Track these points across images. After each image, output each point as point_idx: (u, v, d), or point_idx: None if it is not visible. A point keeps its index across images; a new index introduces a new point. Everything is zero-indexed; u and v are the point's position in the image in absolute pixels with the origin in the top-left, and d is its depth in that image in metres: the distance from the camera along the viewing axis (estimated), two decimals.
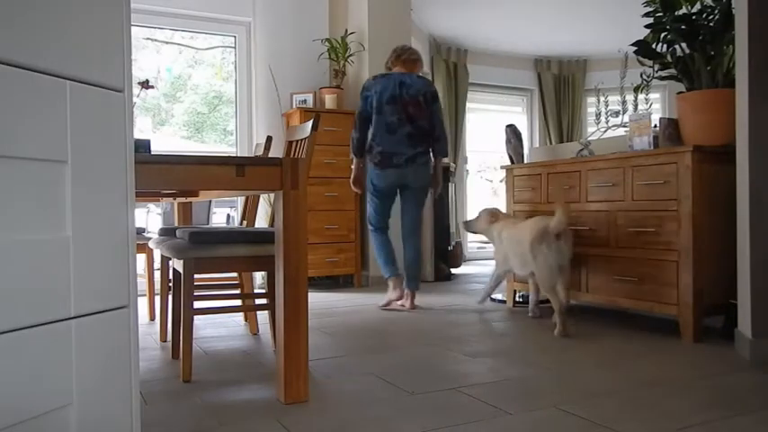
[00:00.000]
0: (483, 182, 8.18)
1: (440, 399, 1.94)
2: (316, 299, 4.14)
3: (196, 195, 2.85)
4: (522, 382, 2.13)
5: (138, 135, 4.10)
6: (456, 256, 5.69)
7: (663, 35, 3.09)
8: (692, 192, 2.68)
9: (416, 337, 2.91)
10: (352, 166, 3.87)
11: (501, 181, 4.26)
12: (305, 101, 4.86)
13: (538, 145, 7.66)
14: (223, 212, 5.98)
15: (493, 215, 3.54)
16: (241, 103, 5.11)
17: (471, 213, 7.69)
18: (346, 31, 4.95)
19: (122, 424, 0.96)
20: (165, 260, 2.80)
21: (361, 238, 4.81)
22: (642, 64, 3.30)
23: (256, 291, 3.79)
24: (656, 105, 7.02)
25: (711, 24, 2.90)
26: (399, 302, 3.76)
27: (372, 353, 2.59)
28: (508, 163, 3.91)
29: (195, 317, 2.24)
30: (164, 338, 2.88)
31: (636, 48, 3.17)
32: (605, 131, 3.85)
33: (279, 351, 1.93)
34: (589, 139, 3.73)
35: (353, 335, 2.98)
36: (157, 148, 2.99)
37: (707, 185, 2.72)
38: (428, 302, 4.00)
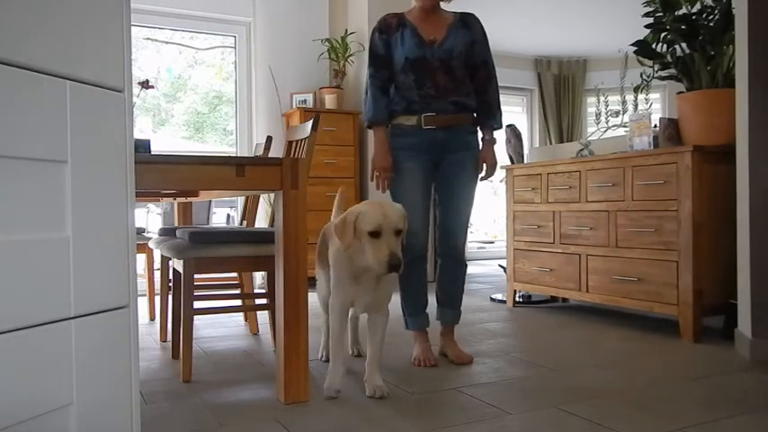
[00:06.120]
0: (483, 182, 8.17)
1: (440, 399, 1.94)
2: (316, 299, 4.13)
3: (196, 195, 2.85)
4: (522, 382, 2.12)
5: (138, 135, 4.09)
6: None
7: (663, 35, 3.09)
8: (691, 192, 2.68)
9: None
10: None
11: (501, 181, 4.25)
12: (305, 101, 4.86)
13: (538, 145, 7.65)
14: (223, 212, 5.97)
15: None
16: (241, 103, 5.11)
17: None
18: (346, 31, 4.95)
19: (122, 424, 0.96)
20: (165, 260, 2.80)
21: None
22: (642, 64, 3.30)
23: (256, 291, 3.79)
24: (656, 105, 7.01)
25: (711, 24, 2.90)
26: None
27: None
28: (508, 163, 3.91)
29: (195, 317, 2.23)
30: (164, 338, 2.88)
31: (636, 48, 3.17)
32: (605, 131, 3.85)
33: (279, 351, 1.93)
34: (589, 139, 3.74)
35: None
36: (157, 148, 2.98)
37: (707, 185, 2.72)
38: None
